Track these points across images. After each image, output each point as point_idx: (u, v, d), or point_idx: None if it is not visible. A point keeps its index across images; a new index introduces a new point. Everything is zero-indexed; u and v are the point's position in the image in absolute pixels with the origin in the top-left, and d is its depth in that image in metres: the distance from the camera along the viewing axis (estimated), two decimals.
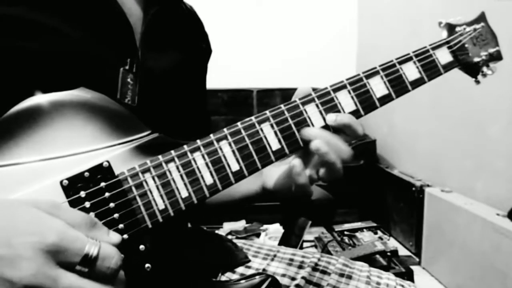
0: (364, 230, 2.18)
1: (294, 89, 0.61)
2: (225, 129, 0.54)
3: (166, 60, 0.66)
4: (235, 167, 0.54)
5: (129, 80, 0.59)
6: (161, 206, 0.50)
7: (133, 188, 0.49)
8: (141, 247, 0.49)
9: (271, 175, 0.66)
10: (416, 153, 2.40)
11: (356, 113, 0.60)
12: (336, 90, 0.59)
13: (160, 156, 0.51)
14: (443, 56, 0.65)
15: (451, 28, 0.67)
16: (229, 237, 1.68)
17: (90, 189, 0.47)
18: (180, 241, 0.56)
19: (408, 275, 1.64)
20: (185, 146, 0.52)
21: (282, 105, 0.57)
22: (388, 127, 2.71)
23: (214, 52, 0.84)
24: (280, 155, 0.56)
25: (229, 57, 2.82)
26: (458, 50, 0.66)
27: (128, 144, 0.51)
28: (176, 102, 0.68)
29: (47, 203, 0.40)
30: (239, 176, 0.54)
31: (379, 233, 2.17)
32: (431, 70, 0.63)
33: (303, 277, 0.70)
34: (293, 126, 0.57)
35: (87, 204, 0.47)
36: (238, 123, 0.55)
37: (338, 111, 0.59)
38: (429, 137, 2.27)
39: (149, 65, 0.62)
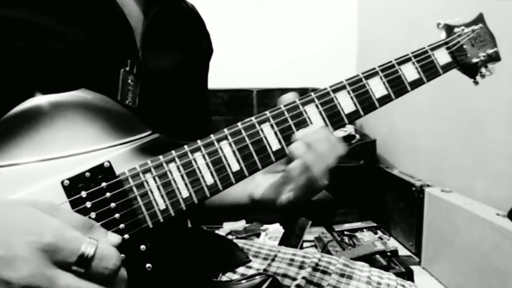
0: (364, 230, 2.18)
1: (294, 89, 0.61)
2: (225, 130, 0.55)
3: (166, 61, 0.66)
4: (235, 167, 0.54)
5: (129, 81, 0.59)
6: (162, 206, 0.50)
7: (134, 188, 0.49)
8: (142, 247, 0.49)
9: (260, 184, 0.65)
10: (416, 153, 2.41)
11: (355, 114, 0.60)
12: (335, 90, 0.60)
13: (161, 157, 0.51)
14: (442, 57, 0.65)
15: (449, 29, 0.67)
16: (229, 237, 1.68)
17: (91, 189, 0.47)
18: (181, 241, 0.56)
19: (408, 275, 1.64)
20: (185, 147, 0.53)
21: (282, 106, 0.58)
22: (388, 127, 2.71)
23: (214, 52, 0.83)
24: (280, 155, 0.56)
25: (229, 57, 2.82)
26: (457, 51, 0.66)
27: (129, 145, 0.51)
28: (177, 102, 0.68)
29: (45, 204, 0.41)
30: (239, 176, 0.54)
31: (379, 233, 2.17)
32: (430, 71, 0.64)
33: (303, 277, 0.70)
34: (293, 126, 0.57)
35: (88, 204, 0.47)
36: (239, 124, 0.56)
37: (338, 112, 0.59)
38: (429, 137, 2.28)
39: (150, 66, 0.62)
